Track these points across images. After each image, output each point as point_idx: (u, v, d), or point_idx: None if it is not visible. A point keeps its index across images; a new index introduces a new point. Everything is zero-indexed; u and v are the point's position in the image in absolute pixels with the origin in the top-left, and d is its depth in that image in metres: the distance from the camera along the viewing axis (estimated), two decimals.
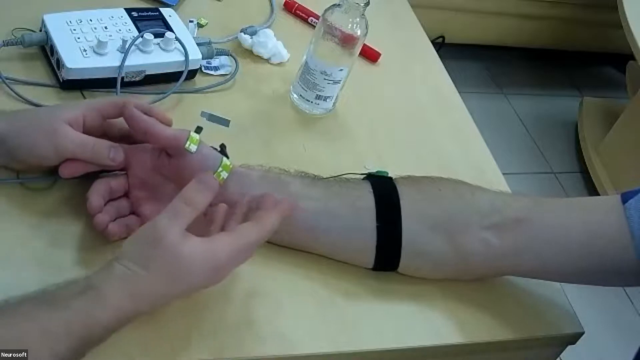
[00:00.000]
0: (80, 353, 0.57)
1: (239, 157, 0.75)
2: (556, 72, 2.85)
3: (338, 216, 0.73)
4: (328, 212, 0.73)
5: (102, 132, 0.72)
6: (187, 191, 0.63)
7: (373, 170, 0.82)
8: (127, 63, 0.83)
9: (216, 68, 0.94)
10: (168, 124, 0.73)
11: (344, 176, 0.79)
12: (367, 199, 0.74)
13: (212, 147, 0.74)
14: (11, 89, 0.80)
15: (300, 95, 0.93)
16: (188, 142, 0.69)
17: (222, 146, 0.75)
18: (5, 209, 0.69)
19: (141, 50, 0.85)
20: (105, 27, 0.86)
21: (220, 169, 0.70)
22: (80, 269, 0.67)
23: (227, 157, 0.73)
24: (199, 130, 0.71)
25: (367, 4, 0.86)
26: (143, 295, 0.60)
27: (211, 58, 0.94)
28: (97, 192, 0.69)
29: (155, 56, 0.86)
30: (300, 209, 0.72)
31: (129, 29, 0.86)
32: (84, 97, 0.83)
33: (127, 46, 0.84)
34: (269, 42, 0.98)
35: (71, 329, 0.55)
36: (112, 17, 0.87)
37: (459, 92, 1.08)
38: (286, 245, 0.74)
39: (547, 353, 0.85)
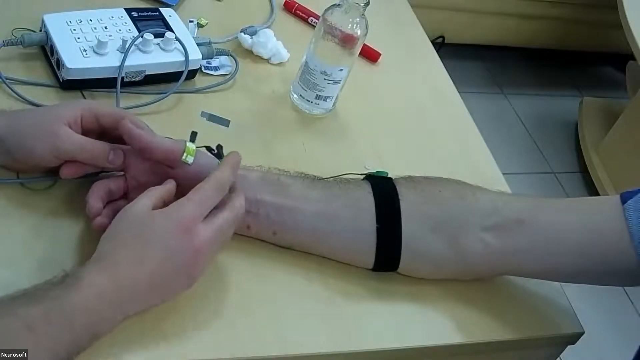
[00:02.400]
0: (71, 344, 0.56)
1: None
2: (556, 72, 2.85)
3: (338, 218, 0.73)
4: (328, 214, 0.73)
5: (101, 132, 0.72)
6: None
7: (373, 170, 0.82)
8: (127, 63, 0.83)
9: (216, 68, 0.94)
10: None
11: (344, 176, 0.79)
12: (367, 200, 0.74)
13: (209, 147, 0.74)
14: (11, 89, 0.80)
15: (300, 95, 0.93)
16: (185, 154, 0.69)
17: (219, 147, 0.74)
18: (5, 209, 0.69)
19: (141, 50, 0.85)
20: (105, 27, 0.86)
21: None
22: None
23: None
24: (193, 136, 0.71)
25: (367, 4, 0.86)
26: (118, 268, 0.60)
27: (211, 58, 0.94)
28: (96, 195, 0.69)
29: (155, 56, 0.86)
30: (300, 211, 0.72)
31: (129, 29, 0.86)
32: (84, 97, 0.83)
33: (127, 46, 0.84)
34: (269, 42, 0.98)
35: (50, 318, 0.55)
36: (112, 17, 0.87)
37: (459, 92, 1.08)
38: (286, 246, 0.74)
39: (547, 353, 0.85)
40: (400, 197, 0.74)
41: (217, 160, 0.72)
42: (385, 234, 0.73)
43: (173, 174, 0.70)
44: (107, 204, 0.70)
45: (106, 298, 0.58)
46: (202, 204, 0.64)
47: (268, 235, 0.73)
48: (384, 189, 0.75)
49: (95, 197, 0.68)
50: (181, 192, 0.69)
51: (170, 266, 0.62)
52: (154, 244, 0.62)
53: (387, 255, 0.74)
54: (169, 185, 0.67)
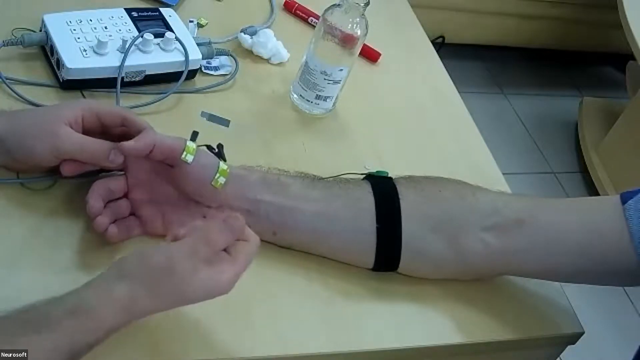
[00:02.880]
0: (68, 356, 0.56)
1: (239, 157, 0.76)
2: (556, 72, 2.85)
3: (339, 218, 0.73)
4: (329, 214, 0.73)
5: (102, 132, 0.72)
6: (211, 233, 0.61)
7: (373, 170, 0.82)
8: (127, 63, 0.83)
9: (216, 68, 0.94)
10: None
11: (344, 176, 0.79)
12: (367, 200, 0.74)
13: (209, 145, 0.74)
14: (11, 89, 0.80)
15: (300, 95, 0.93)
16: (184, 153, 0.69)
17: (220, 146, 0.75)
18: (5, 209, 0.69)
19: (141, 50, 0.85)
20: (105, 27, 0.86)
21: (217, 175, 0.70)
22: (80, 270, 0.67)
23: (224, 159, 0.73)
24: (194, 136, 0.71)
25: (367, 4, 0.86)
26: (140, 316, 0.59)
27: (211, 58, 0.94)
28: (97, 194, 0.68)
29: (155, 56, 0.86)
30: (301, 211, 0.72)
31: (129, 29, 0.86)
32: (84, 97, 0.83)
33: (127, 46, 0.84)
34: (269, 42, 0.98)
35: (58, 350, 0.54)
36: (112, 17, 0.87)
37: (459, 92, 1.08)
38: (287, 246, 0.74)
39: (547, 353, 0.85)
40: (400, 196, 0.74)
41: (218, 159, 0.72)
42: (385, 234, 0.73)
43: (173, 173, 0.70)
44: (108, 204, 0.70)
45: (114, 332, 0.58)
46: (243, 268, 0.63)
47: (268, 235, 0.73)
48: (384, 189, 0.75)
49: (96, 197, 0.68)
50: (181, 190, 0.70)
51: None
52: (187, 300, 0.61)
53: (387, 255, 0.74)
54: (218, 232, 0.62)
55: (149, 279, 0.59)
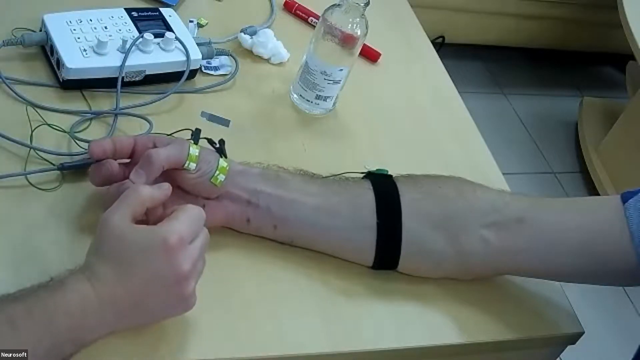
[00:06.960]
0: (52, 347, 0.56)
1: (239, 157, 0.76)
2: (556, 72, 2.84)
3: (338, 214, 0.73)
4: (328, 209, 0.73)
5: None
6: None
7: (373, 170, 0.82)
8: (127, 63, 0.83)
9: (216, 68, 0.94)
10: None
11: (344, 175, 0.79)
12: (367, 196, 0.74)
13: (210, 139, 0.74)
14: (11, 89, 0.80)
15: (300, 95, 0.93)
16: (187, 162, 0.69)
17: (221, 142, 0.74)
18: (5, 208, 0.69)
19: (141, 50, 0.85)
20: (105, 27, 0.86)
21: (217, 172, 0.70)
22: None
23: (225, 154, 0.73)
24: (197, 134, 0.71)
25: (367, 4, 0.86)
26: (100, 284, 0.58)
27: (211, 58, 0.94)
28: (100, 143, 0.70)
29: (156, 56, 0.86)
30: (301, 203, 0.72)
31: (129, 29, 0.86)
32: (84, 97, 0.83)
33: (127, 46, 0.84)
34: (269, 42, 0.98)
35: (32, 315, 0.55)
36: (112, 17, 0.87)
37: (459, 92, 1.08)
38: (287, 241, 0.74)
39: (547, 353, 0.85)
40: (400, 193, 0.74)
41: (218, 155, 0.72)
42: (385, 231, 0.73)
43: (174, 175, 0.70)
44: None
45: (88, 307, 0.58)
46: (191, 225, 0.63)
47: (268, 230, 0.73)
48: (384, 186, 0.75)
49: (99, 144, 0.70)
50: (181, 186, 0.70)
51: (156, 288, 0.60)
52: (136, 263, 0.60)
53: (387, 252, 0.74)
54: (150, 192, 0.64)
55: (93, 244, 0.62)
